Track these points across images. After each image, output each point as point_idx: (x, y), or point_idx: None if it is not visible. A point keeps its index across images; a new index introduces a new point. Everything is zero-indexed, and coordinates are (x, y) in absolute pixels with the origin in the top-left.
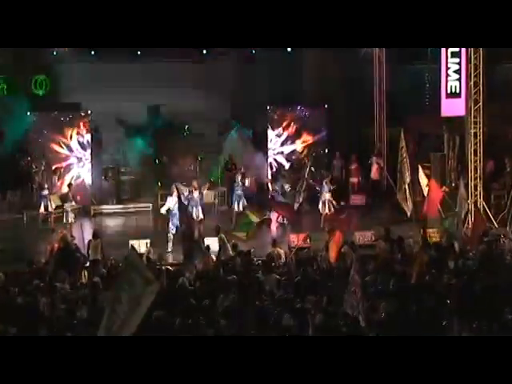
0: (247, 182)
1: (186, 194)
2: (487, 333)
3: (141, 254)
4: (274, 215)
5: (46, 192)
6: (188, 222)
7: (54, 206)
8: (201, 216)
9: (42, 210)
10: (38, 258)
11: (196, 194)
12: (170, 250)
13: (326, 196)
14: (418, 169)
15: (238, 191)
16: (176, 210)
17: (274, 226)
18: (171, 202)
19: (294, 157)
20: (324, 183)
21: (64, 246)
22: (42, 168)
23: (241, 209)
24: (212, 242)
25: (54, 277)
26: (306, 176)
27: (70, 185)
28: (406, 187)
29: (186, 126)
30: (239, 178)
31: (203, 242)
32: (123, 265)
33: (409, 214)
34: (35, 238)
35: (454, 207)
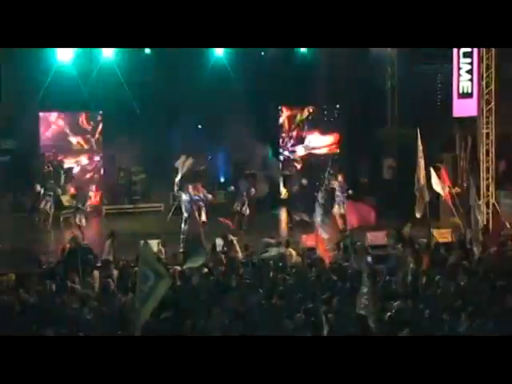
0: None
1: (192, 195)
2: (500, 333)
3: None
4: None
5: (58, 191)
6: (192, 223)
7: (64, 206)
8: (203, 218)
9: (53, 209)
10: (49, 258)
11: (201, 195)
12: (182, 250)
13: (341, 196)
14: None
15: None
16: (185, 211)
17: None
18: (182, 203)
19: (304, 157)
20: (338, 184)
21: (75, 246)
22: (53, 167)
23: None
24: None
25: (65, 277)
26: (328, 176)
27: (81, 184)
28: (420, 188)
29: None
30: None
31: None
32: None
33: (418, 215)
34: (46, 239)
35: (466, 208)
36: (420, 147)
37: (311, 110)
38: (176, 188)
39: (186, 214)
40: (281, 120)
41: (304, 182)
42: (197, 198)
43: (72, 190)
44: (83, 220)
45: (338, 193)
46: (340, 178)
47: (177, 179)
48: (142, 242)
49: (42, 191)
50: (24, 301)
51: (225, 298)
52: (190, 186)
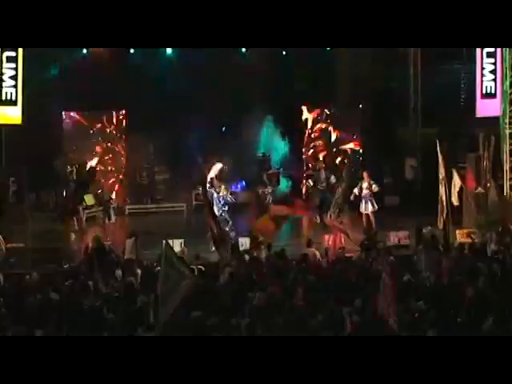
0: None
1: (214, 194)
2: None
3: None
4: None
5: (80, 190)
6: (212, 223)
7: (87, 205)
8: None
9: (76, 208)
10: (73, 258)
11: (216, 194)
12: (212, 249)
13: (367, 195)
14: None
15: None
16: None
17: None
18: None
19: (328, 157)
20: (364, 181)
21: (98, 246)
22: (76, 167)
23: None
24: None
25: (88, 277)
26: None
27: (104, 184)
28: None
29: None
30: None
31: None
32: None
33: (439, 217)
34: (70, 238)
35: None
36: (440, 157)
37: (333, 110)
38: (208, 186)
39: (217, 213)
40: (303, 118)
41: (333, 179)
42: (228, 198)
43: (95, 190)
44: (106, 220)
45: (364, 190)
46: (365, 175)
47: (208, 179)
48: (165, 241)
49: (66, 191)
50: (47, 300)
51: (248, 297)
52: (223, 186)
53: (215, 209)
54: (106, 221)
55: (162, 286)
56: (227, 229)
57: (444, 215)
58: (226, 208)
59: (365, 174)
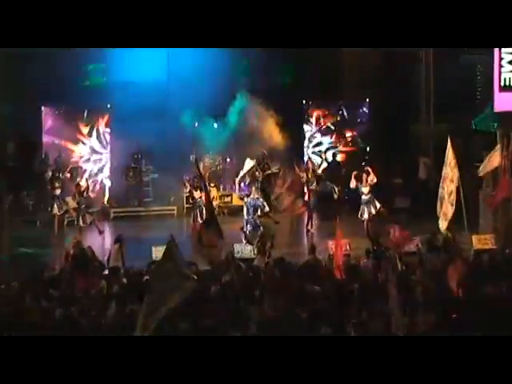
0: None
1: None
2: None
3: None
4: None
5: (58, 192)
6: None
7: (65, 209)
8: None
9: (55, 212)
10: (53, 265)
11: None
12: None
13: (366, 198)
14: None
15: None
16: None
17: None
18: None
19: (331, 155)
20: (363, 184)
21: (80, 252)
22: (56, 167)
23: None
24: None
25: (70, 286)
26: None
27: (87, 185)
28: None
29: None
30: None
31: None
32: (162, 254)
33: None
34: (49, 244)
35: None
36: (451, 155)
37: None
38: (237, 187)
39: (245, 217)
40: (312, 118)
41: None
42: (259, 202)
43: (77, 192)
44: (87, 223)
45: (364, 196)
46: (369, 177)
47: (238, 178)
48: (170, 237)
49: (47, 193)
50: (28, 310)
51: (246, 308)
52: (253, 187)
53: (244, 213)
54: (87, 224)
55: (159, 285)
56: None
57: (450, 218)
58: (259, 213)
59: (364, 177)
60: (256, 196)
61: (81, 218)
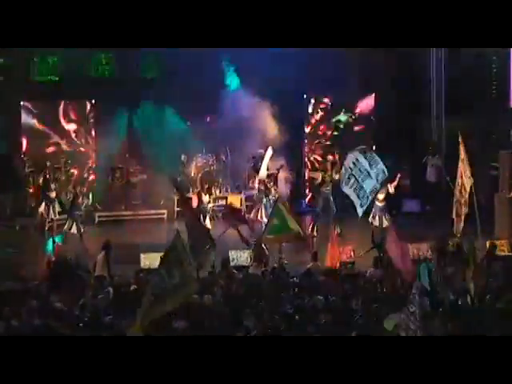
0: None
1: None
2: None
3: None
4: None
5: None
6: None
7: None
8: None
9: (51, 216)
10: (33, 274)
11: (264, 199)
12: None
13: (381, 206)
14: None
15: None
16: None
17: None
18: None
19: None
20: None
21: (62, 260)
22: (36, 167)
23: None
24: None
25: (51, 297)
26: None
27: (69, 187)
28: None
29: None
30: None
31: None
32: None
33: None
34: (29, 250)
35: None
36: (462, 153)
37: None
38: (257, 185)
39: (265, 220)
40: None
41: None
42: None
43: (57, 194)
44: (74, 229)
45: (377, 202)
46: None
47: (259, 175)
48: (176, 231)
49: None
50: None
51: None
52: (274, 187)
53: (263, 215)
54: (73, 231)
55: (160, 282)
56: None
57: (463, 221)
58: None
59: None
60: (276, 195)
61: (65, 222)
